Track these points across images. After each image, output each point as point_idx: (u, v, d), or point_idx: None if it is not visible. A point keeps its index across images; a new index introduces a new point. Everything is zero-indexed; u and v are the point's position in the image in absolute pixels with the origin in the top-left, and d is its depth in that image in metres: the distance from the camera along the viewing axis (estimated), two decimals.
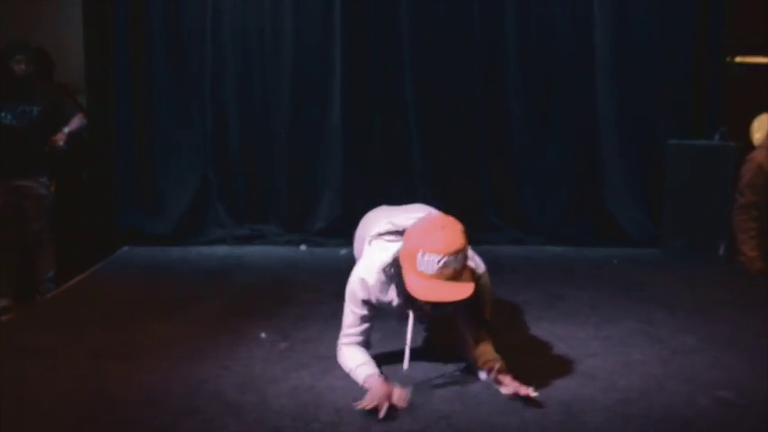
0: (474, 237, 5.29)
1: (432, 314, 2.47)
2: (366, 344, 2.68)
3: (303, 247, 5.11)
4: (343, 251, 4.57)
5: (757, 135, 4.71)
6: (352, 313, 2.62)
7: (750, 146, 4.74)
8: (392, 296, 2.51)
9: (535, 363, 2.85)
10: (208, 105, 5.25)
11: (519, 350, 3.00)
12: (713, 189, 4.85)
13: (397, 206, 3.06)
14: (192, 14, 5.17)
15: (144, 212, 5.22)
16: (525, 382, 2.46)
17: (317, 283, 4.04)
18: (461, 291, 2.31)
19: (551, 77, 5.40)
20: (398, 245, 2.46)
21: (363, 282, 2.53)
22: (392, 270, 2.44)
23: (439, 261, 2.26)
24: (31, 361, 2.80)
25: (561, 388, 2.61)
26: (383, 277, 2.48)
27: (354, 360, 2.61)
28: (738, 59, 5.52)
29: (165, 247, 5.01)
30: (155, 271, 4.47)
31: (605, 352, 3.01)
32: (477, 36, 5.31)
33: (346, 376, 2.66)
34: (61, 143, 4.51)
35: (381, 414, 2.31)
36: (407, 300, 2.40)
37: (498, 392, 2.52)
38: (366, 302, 2.57)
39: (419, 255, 2.28)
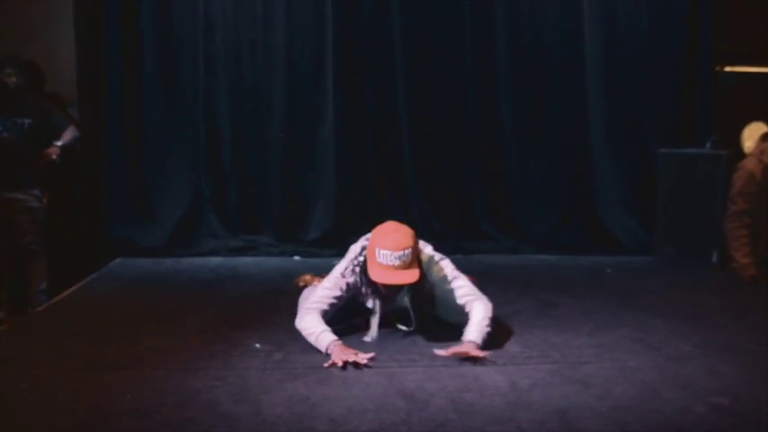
0: (468, 246, 5.39)
1: (388, 295, 3.11)
2: (326, 316, 3.08)
3: (297, 258, 5.10)
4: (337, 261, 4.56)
5: (748, 143, 4.75)
6: (327, 290, 3.12)
7: (741, 154, 4.77)
8: (361, 281, 3.12)
9: (530, 370, 2.85)
10: (200, 117, 5.24)
11: (513, 358, 3.01)
12: (705, 197, 4.88)
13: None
14: (184, 27, 5.17)
15: (137, 224, 5.21)
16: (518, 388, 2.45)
17: None
18: (408, 277, 2.99)
19: (543, 88, 5.44)
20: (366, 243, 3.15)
21: (344, 272, 3.13)
22: (360, 261, 3.10)
23: (391, 255, 2.95)
24: (24, 373, 2.77)
25: (556, 395, 2.60)
26: (357, 268, 3.11)
27: (318, 326, 3.00)
28: (728, 69, 5.56)
29: (158, 259, 5.00)
30: (148, 282, 4.45)
31: (600, 359, 3.02)
32: (468, 47, 5.35)
33: (342, 386, 2.66)
34: (54, 157, 4.50)
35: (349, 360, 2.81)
36: (370, 283, 3.07)
37: (494, 400, 2.53)
38: (341, 290, 3.12)
39: (377, 250, 2.98)
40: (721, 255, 4.78)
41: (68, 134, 4.62)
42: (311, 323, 3.03)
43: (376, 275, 2.99)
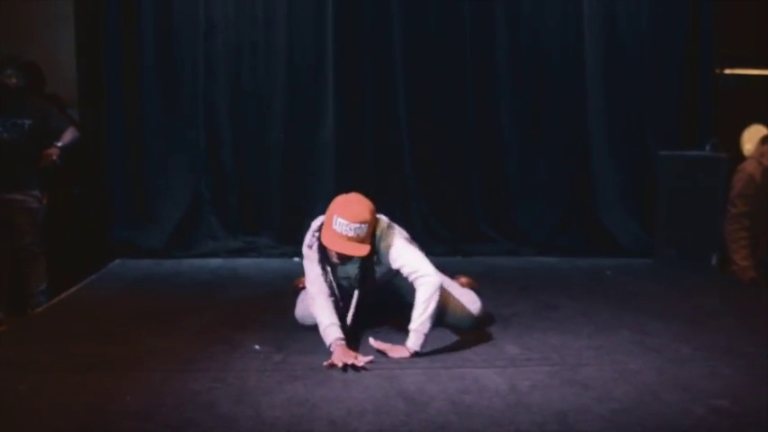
0: (467, 248, 5.38)
1: (338, 262, 3.10)
2: (333, 293, 3.14)
3: (297, 260, 5.10)
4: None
5: (748, 146, 4.75)
6: (310, 268, 3.15)
7: (741, 156, 4.78)
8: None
9: (529, 372, 2.85)
10: (200, 118, 5.25)
11: (512, 360, 3.01)
12: (705, 199, 4.88)
13: None
14: (185, 29, 5.18)
15: (137, 225, 5.21)
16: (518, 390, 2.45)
17: None
18: (358, 250, 3.00)
19: (543, 90, 5.45)
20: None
21: (309, 243, 3.17)
22: (319, 229, 3.12)
23: (347, 225, 2.97)
24: (23, 374, 2.77)
25: (556, 398, 2.60)
26: (317, 233, 3.13)
27: (327, 316, 3.03)
28: (728, 71, 5.56)
29: (158, 260, 5.00)
30: (147, 284, 4.45)
31: (600, 361, 3.01)
32: (468, 51, 5.36)
33: (341, 388, 2.65)
34: (54, 158, 4.50)
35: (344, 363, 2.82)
36: (321, 248, 3.09)
37: (494, 402, 2.53)
38: (317, 261, 3.14)
39: (334, 217, 3.00)
40: (721, 257, 4.78)
41: (68, 135, 4.61)
42: (321, 312, 3.06)
43: (327, 240, 3.01)
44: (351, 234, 2.98)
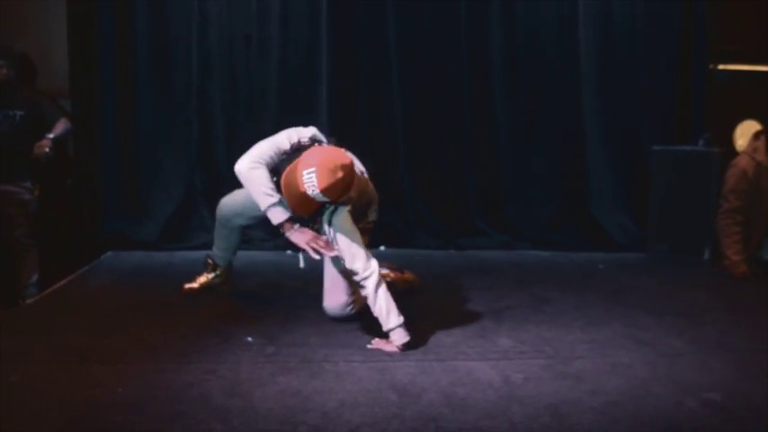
0: (462, 242, 5.38)
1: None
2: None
3: (289, 253, 5.09)
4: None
5: (740, 141, 4.77)
6: (274, 145, 3.13)
7: (734, 152, 4.79)
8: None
9: (522, 365, 2.85)
10: (193, 110, 5.21)
11: (506, 353, 3.01)
12: (698, 194, 4.89)
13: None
14: (178, 21, 5.13)
15: (129, 217, 5.17)
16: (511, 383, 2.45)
17: (304, 288, 4.03)
18: (303, 210, 2.96)
19: (537, 86, 5.45)
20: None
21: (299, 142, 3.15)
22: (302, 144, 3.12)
23: (311, 184, 2.84)
24: (14, 366, 2.76)
25: (548, 391, 2.61)
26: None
27: (268, 185, 3.04)
28: (722, 67, 5.58)
29: (150, 252, 4.97)
30: (140, 276, 4.43)
31: (592, 355, 3.02)
32: (463, 47, 5.34)
33: (334, 380, 2.66)
34: (47, 149, 4.47)
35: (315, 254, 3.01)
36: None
37: (487, 395, 2.54)
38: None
39: (305, 170, 2.86)
40: (713, 252, 4.80)
41: (60, 126, 4.58)
42: (257, 178, 3.07)
43: (285, 184, 2.95)
44: (309, 193, 2.88)
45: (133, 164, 5.21)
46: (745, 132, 4.82)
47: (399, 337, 2.99)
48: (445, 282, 4.29)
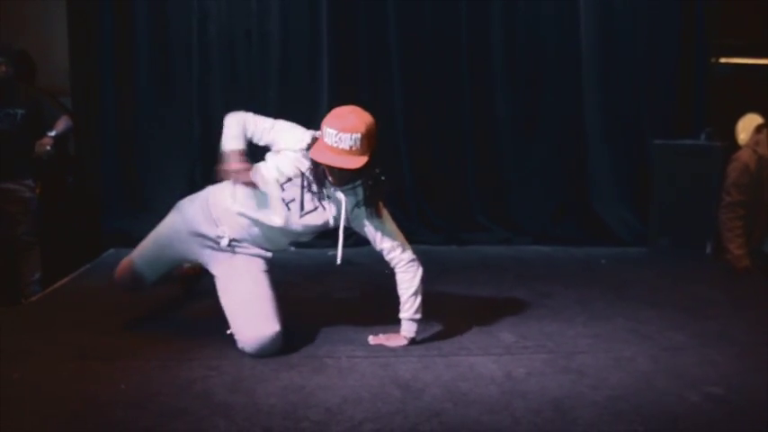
0: (463, 237, 5.37)
1: (328, 178, 2.87)
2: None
3: (292, 249, 5.08)
4: (331, 252, 4.54)
5: (742, 135, 4.74)
6: (288, 129, 3.08)
7: (736, 145, 4.78)
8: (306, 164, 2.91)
9: (524, 360, 2.85)
10: (194, 107, 5.22)
11: (508, 347, 3.01)
12: (699, 188, 4.89)
13: None
14: (179, 17, 5.14)
15: (130, 215, 5.17)
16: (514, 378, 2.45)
17: (305, 284, 4.03)
18: (349, 162, 2.73)
19: (538, 80, 5.44)
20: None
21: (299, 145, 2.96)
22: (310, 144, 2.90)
23: (335, 135, 2.72)
24: (17, 363, 2.76)
25: (551, 385, 2.61)
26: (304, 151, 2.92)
27: (239, 135, 2.95)
28: (723, 60, 5.56)
29: None
30: None
31: (594, 349, 3.02)
32: (464, 40, 5.34)
33: (337, 375, 2.67)
34: (48, 147, 4.47)
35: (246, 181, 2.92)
36: (314, 165, 2.86)
37: (489, 390, 2.54)
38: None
39: (324, 128, 2.77)
40: (715, 246, 4.79)
41: (62, 124, 4.57)
42: (237, 128, 2.98)
43: (315, 153, 2.79)
44: (342, 145, 2.72)
45: (134, 160, 5.21)
46: (746, 126, 4.80)
47: (410, 331, 2.99)
48: (447, 277, 4.29)
